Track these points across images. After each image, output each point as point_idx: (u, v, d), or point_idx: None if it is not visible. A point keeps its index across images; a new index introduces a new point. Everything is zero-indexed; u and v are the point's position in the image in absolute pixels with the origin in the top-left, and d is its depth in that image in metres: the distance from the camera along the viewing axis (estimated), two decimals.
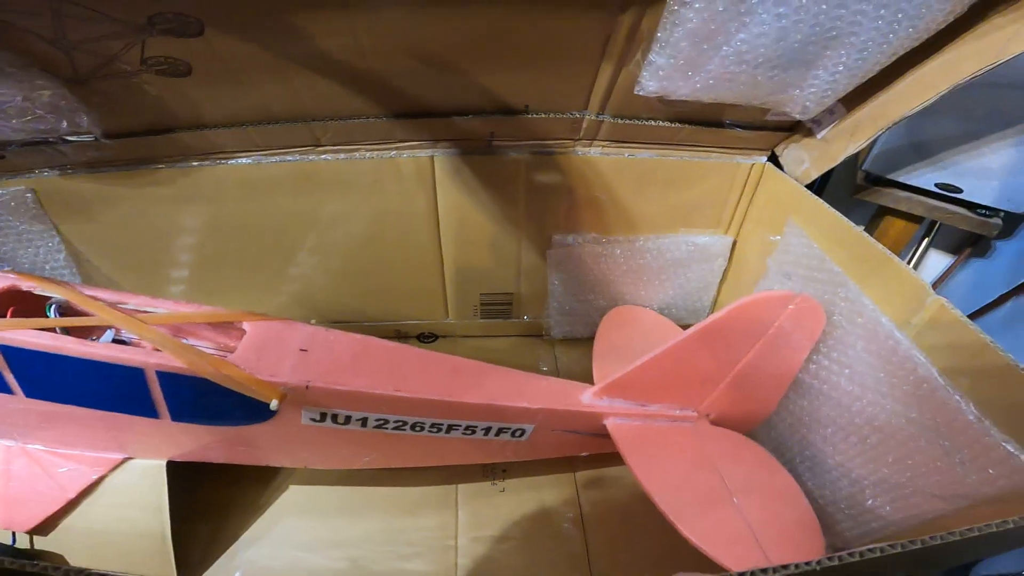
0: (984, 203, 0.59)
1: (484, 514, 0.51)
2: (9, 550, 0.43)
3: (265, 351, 0.39)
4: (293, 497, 0.52)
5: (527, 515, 0.52)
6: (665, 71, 0.41)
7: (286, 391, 0.38)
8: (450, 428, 0.44)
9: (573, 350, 0.69)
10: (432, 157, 0.52)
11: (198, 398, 0.39)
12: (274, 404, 0.37)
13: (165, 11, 0.34)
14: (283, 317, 0.43)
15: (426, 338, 0.69)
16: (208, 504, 0.51)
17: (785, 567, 0.23)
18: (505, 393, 0.44)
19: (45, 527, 0.43)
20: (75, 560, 0.45)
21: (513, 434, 0.46)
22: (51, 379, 0.38)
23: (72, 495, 0.43)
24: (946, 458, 0.38)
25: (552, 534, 0.51)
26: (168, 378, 0.37)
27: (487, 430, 0.45)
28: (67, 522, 0.44)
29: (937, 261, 0.72)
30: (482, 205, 0.55)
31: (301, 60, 0.41)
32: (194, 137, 0.47)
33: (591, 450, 0.51)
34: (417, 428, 0.43)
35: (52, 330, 0.37)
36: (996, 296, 0.65)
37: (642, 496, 0.53)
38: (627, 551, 0.50)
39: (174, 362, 0.36)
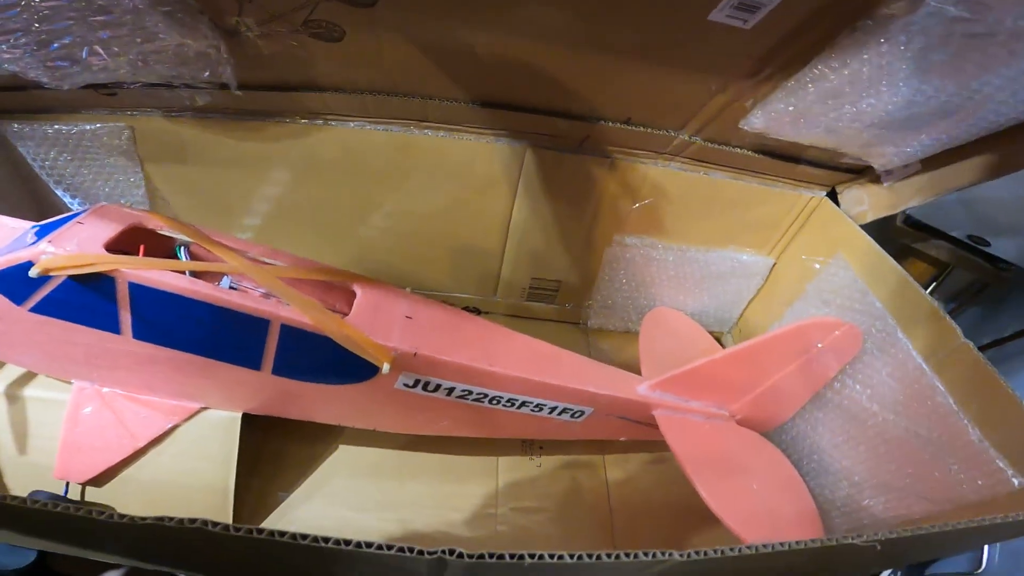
0: (1006, 258, 0.67)
1: (522, 487, 0.57)
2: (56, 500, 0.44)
3: (377, 315, 0.43)
4: (343, 457, 0.56)
5: (560, 490, 0.58)
6: (778, 114, 0.47)
7: (396, 356, 0.42)
8: (522, 404, 0.49)
9: (605, 341, 0.75)
10: (524, 148, 0.56)
11: (308, 354, 0.42)
12: (386, 368, 0.41)
13: None
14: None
15: (471, 312, 0.73)
16: (258, 460, 0.53)
17: (796, 542, 0.29)
18: (576, 377, 0.50)
19: (102, 478, 0.44)
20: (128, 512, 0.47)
21: (573, 415, 0.52)
22: (168, 322, 0.40)
23: (142, 444, 0.44)
24: (944, 469, 0.45)
25: (581, 508, 0.57)
26: (288, 332, 0.41)
27: (553, 409, 0.51)
28: (127, 473, 0.45)
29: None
30: (557, 199, 0.60)
31: (441, 45, 0.44)
32: (313, 98, 0.50)
33: (630, 436, 0.58)
34: (494, 401, 0.48)
35: (182, 273, 0.40)
36: (986, 342, 0.75)
37: (659, 482, 0.61)
38: (646, 526, 0.57)
39: (300, 317, 0.40)
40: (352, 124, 0.54)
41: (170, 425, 0.46)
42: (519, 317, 0.74)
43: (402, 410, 0.48)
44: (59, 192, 0.57)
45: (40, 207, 0.57)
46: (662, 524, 0.57)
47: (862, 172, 0.58)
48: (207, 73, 0.44)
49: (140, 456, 0.45)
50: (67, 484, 0.44)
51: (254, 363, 0.43)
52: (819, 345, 0.52)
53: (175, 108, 0.51)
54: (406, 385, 0.45)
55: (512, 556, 0.26)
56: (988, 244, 0.67)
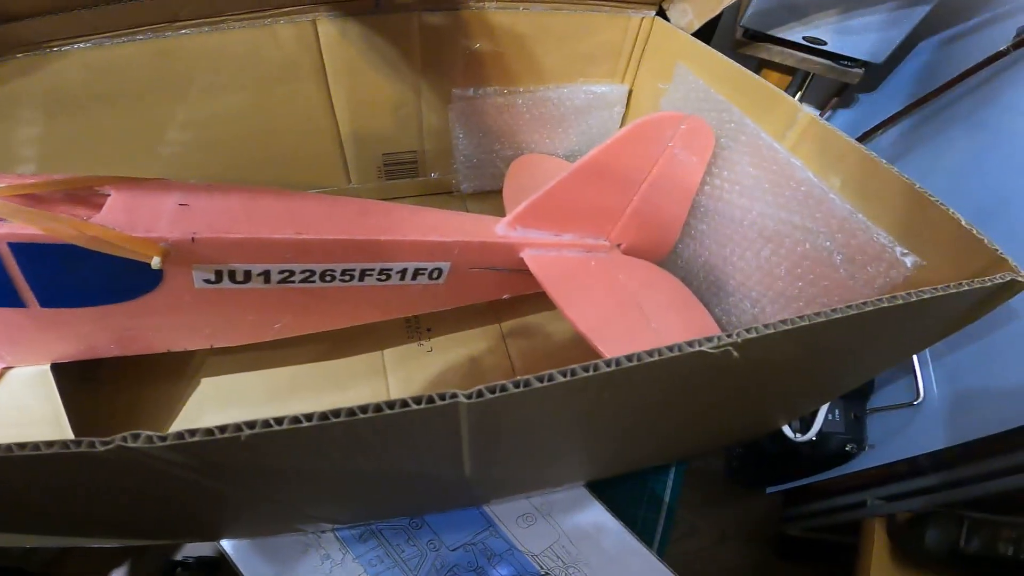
0: (846, 54, 0.63)
1: (415, 378, 0.49)
2: None
3: (136, 209, 0.32)
4: (209, 391, 0.46)
5: (459, 373, 0.50)
6: None
7: (168, 247, 0.32)
8: (363, 274, 0.39)
9: (483, 203, 0.66)
10: (314, 21, 0.45)
11: (68, 273, 0.32)
12: (156, 262, 0.31)
13: None
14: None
15: None
16: (112, 412, 0.44)
17: (686, 343, 0.22)
18: (416, 229, 0.41)
19: None
20: None
21: (430, 275, 0.43)
22: None
23: None
24: (829, 260, 0.40)
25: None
26: (26, 252, 0.30)
27: (403, 273, 0.41)
28: None
29: (807, 111, 0.77)
30: (375, 65, 0.50)
31: None
32: (22, 29, 0.38)
33: (511, 291, 0.50)
34: (327, 278, 0.38)
35: None
36: (855, 137, 0.71)
37: (565, 339, 0.54)
38: None
39: (26, 230, 0.30)
40: (83, 45, 0.41)
41: None
42: (387, 199, 0.63)
43: (224, 315, 0.38)
44: None
45: None
46: None
47: None
48: None
49: None
50: None
51: (13, 300, 0.32)
52: (670, 144, 0.45)
53: None
54: (208, 281, 0.35)
55: (278, 421, 0.18)
56: (825, 43, 0.62)
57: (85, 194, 0.34)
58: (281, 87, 0.49)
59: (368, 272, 0.40)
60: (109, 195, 0.34)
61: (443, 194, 0.66)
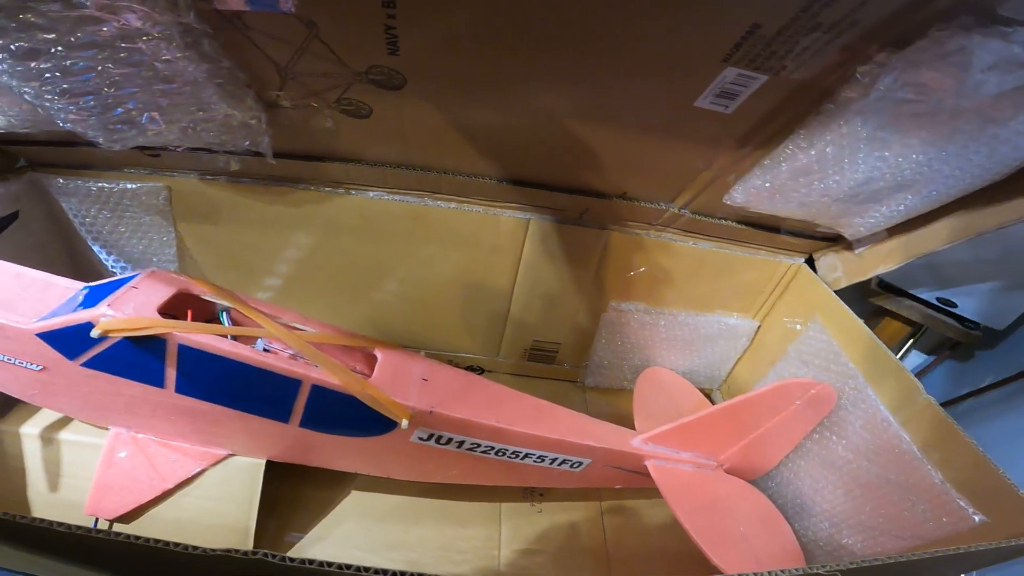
0: (972, 318, 0.73)
1: (523, 531, 0.62)
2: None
3: (397, 377, 0.49)
4: (354, 502, 0.60)
5: (559, 534, 0.63)
6: (756, 190, 0.53)
7: (413, 413, 0.48)
8: (525, 455, 0.55)
9: (601, 398, 0.81)
10: (529, 220, 0.62)
11: (333, 410, 0.48)
12: (405, 423, 0.47)
13: (384, 64, 0.43)
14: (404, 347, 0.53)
15: (474, 371, 0.79)
16: (275, 501, 0.57)
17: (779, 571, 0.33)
18: (575, 431, 0.56)
19: (130, 516, 0.49)
20: None
21: (572, 465, 0.57)
22: (209, 379, 0.45)
23: (171, 485, 0.49)
24: (912, 509, 0.51)
25: (580, 551, 0.62)
26: (317, 390, 0.46)
27: (553, 460, 0.56)
28: (154, 512, 0.49)
29: (916, 357, 0.88)
30: (558, 267, 0.66)
31: (458, 124, 0.50)
32: (337, 168, 0.56)
33: (625, 484, 0.63)
34: (500, 453, 0.54)
35: (223, 336, 0.46)
36: (963, 392, 0.82)
37: (654, 526, 0.67)
38: (641, 568, 0.62)
39: (329, 378, 0.46)
40: (371, 194, 0.59)
41: (198, 469, 0.51)
42: (520, 375, 0.80)
43: (415, 460, 0.54)
44: (95, 248, 0.62)
45: (74, 261, 0.63)
46: (656, 565, 0.62)
47: (836, 240, 0.64)
48: (248, 142, 0.49)
49: (167, 497, 0.50)
50: (96, 520, 0.48)
51: (283, 417, 0.48)
52: (797, 402, 0.58)
53: (211, 171, 0.56)
54: (421, 439, 0.50)
55: None
56: (955, 306, 0.73)
57: (356, 349, 0.50)
58: (482, 267, 0.67)
59: (529, 455, 0.55)
60: (375, 356, 0.49)
61: (568, 382, 0.82)
